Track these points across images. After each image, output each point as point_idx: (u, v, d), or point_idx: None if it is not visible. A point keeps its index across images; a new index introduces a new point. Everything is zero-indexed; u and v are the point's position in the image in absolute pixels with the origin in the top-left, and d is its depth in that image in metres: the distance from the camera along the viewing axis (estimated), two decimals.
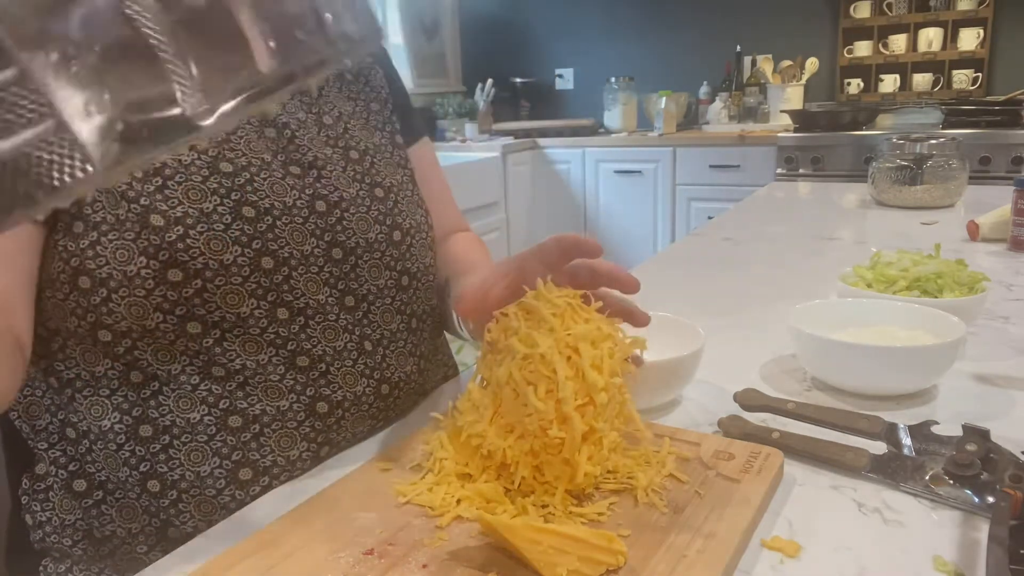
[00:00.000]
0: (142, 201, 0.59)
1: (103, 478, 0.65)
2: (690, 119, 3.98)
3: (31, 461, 0.67)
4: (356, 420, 0.70)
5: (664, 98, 3.66)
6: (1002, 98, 3.14)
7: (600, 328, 0.56)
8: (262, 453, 0.65)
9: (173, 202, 0.60)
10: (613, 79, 3.93)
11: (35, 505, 0.67)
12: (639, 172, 3.59)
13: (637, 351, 0.59)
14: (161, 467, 0.64)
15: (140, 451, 0.64)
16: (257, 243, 0.63)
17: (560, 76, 4.39)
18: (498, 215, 3.60)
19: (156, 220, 0.59)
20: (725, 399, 0.72)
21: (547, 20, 4.33)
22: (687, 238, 1.62)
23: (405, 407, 0.76)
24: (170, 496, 0.64)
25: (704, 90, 3.92)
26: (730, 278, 1.23)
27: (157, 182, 0.60)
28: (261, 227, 0.63)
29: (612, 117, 3.95)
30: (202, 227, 0.60)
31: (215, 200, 0.62)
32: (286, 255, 0.65)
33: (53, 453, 0.66)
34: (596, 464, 0.54)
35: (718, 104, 3.82)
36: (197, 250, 0.60)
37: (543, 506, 0.53)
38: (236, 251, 0.62)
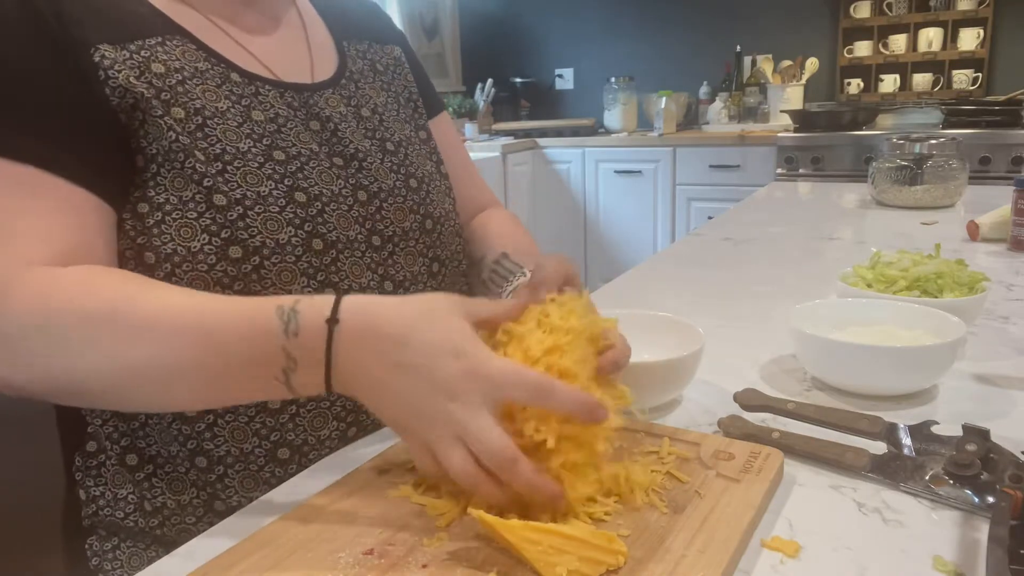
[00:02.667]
0: (205, 183, 0.63)
1: (154, 452, 0.68)
2: (690, 119, 3.98)
3: (82, 441, 0.70)
4: None
5: (664, 98, 3.66)
6: (1002, 98, 3.14)
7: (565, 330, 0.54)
8: (296, 433, 0.69)
9: (232, 184, 0.64)
10: (613, 79, 3.93)
11: (88, 480, 0.70)
12: (639, 172, 3.59)
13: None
14: (207, 444, 0.67)
15: (187, 430, 0.67)
16: (308, 226, 0.67)
17: (560, 76, 4.39)
18: None
19: (219, 200, 0.63)
20: (725, 399, 0.72)
21: (547, 20, 4.33)
22: (687, 238, 1.62)
23: None
24: (217, 471, 0.68)
25: (704, 90, 3.92)
26: (730, 278, 1.23)
27: (218, 166, 0.64)
28: (312, 211, 0.68)
29: (612, 117, 3.94)
30: (259, 208, 0.65)
31: (270, 184, 0.66)
32: (334, 239, 0.69)
33: (107, 429, 0.69)
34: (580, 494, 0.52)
35: (718, 104, 3.82)
36: (255, 228, 0.64)
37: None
38: (290, 231, 0.66)
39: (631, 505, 0.53)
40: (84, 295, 0.55)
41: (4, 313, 0.55)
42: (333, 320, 0.51)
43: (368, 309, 0.52)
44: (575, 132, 3.87)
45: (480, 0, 4.43)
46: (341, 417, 0.70)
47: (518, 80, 4.33)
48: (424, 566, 0.47)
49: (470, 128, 3.88)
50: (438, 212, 0.80)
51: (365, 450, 0.68)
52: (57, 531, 0.73)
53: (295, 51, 0.77)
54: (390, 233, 0.74)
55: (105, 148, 0.62)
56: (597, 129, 3.97)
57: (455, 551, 0.49)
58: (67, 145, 0.60)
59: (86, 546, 0.70)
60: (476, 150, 3.63)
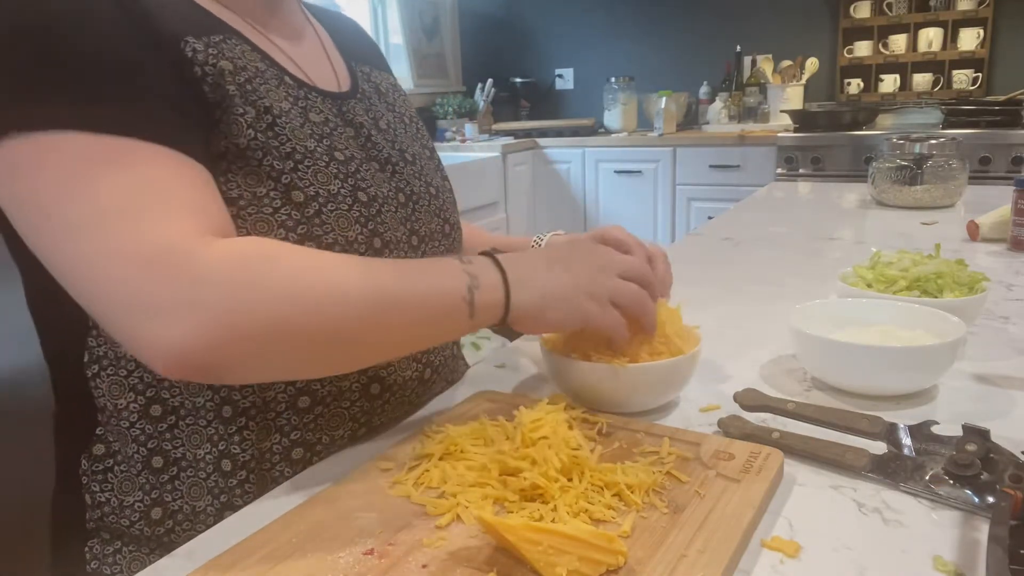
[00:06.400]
0: (283, 180, 0.64)
1: (179, 455, 0.68)
2: (690, 119, 3.98)
3: (87, 444, 0.69)
4: (397, 404, 0.74)
5: (664, 98, 3.66)
6: (1002, 98, 3.14)
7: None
8: (314, 432, 0.69)
9: (306, 182, 0.65)
10: (613, 79, 3.93)
11: (95, 486, 0.69)
12: (639, 172, 3.59)
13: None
14: (235, 448, 0.67)
15: (222, 430, 0.67)
16: (371, 224, 0.69)
17: (560, 76, 4.39)
18: (498, 215, 3.60)
19: (297, 196, 0.65)
20: (725, 399, 0.72)
21: (547, 20, 4.33)
22: (687, 238, 1.62)
23: (435, 392, 0.80)
24: (239, 476, 0.68)
25: (704, 90, 3.92)
26: (730, 278, 1.23)
27: (290, 164, 0.65)
28: (372, 211, 0.70)
29: (612, 117, 3.94)
30: (331, 206, 0.66)
31: (337, 183, 0.68)
32: (388, 238, 0.71)
33: (134, 431, 0.68)
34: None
35: (718, 104, 3.82)
36: (329, 226, 0.66)
37: (544, 503, 0.53)
38: (357, 229, 0.68)
39: (631, 505, 0.53)
40: (274, 256, 0.56)
41: (200, 265, 0.52)
42: (493, 257, 0.65)
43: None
44: (575, 132, 3.87)
45: (480, 0, 4.43)
46: (356, 418, 0.71)
47: (518, 80, 4.33)
48: (424, 566, 0.47)
49: (470, 128, 3.88)
50: (453, 219, 0.84)
51: (366, 451, 0.69)
52: (45, 533, 0.72)
53: (320, 61, 0.78)
54: (424, 233, 0.77)
55: (205, 138, 0.62)
56: (597, 129, 3.97)
57: (455, 551, 0.49)
58: (190, 130, 0.60)
59: (86, 549, 0.70)
60: (476, 150, 3.63)
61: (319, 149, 0.67)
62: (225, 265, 0.53)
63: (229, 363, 0.53)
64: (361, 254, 0.67)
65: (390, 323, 0.59)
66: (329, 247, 0.65)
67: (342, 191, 0.67)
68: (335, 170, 0.68)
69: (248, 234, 0.62)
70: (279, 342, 0.54)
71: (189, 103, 0.61)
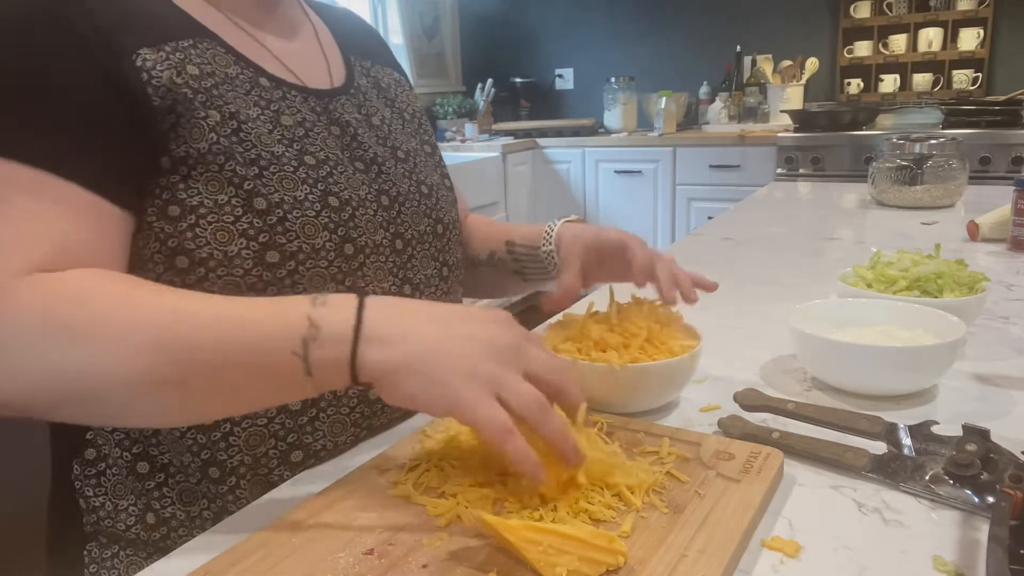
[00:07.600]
0: (246, 186, 0.63)
1: (166, 461, 0.67)
2: (690, 119, 3.98)
3: (79, 448, 0.69)
4: (397, 407, 0.72)
5: (664, 98, 3.66)
6: (1002, 98, 3.14)
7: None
8: (315, 437, 0.68)
9: (270, 189, 0.64)
10: (613, 79, 3.93)
11: (88, 490, 0.69)
12: (639, 172, 3.60)
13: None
14: (221, 455, 0.66)
15: (202, 439, 0.66)
16: (341, 230, 0.68)
17: (560, 76, 4.39)
18: (498, 215, 3.60)
19: (259, 204, 0.63)
20: (725, 399, 0.72)
21: (547, 20, 4.33)
22: (687, 238, 1.62)
23: None
24: (229, 483, 0.67)
25: (704, 90, 3.92)
26: (730, 278, 1.23)
27: (255, 170, 0.63)
28: (344, 216, 0.68)
29: (612, 117, 3.95)
30: (297, 213, 0.65)
31: (305, 189, 0.66)
32: (363, 243, 0.70)
33: (117, 435, 0.67)
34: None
35: (718, 104, 3.82)
36: (293, 233, 0.64)
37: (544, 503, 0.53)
38: (325, 236, 0.66)
39: (631, 505, 0.53)
40: (82, 298, 0.53)
41: (5, 309, 0.52)
42: (361, 299, 0.53)
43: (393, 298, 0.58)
44: (575, 132, 3.87)
45: (480, 0, 4.43)
46: (358, 423, 0.70)
47: (518, 80, 4.33)
48: (424, 566, 0.47)
49: (470, 128, 3.88)
50: (447, 219, 0.82)
51: (365, 451, 0.69)
52: (41, 536, 0.72)
53: (313, 57, 0.78)
54: (409, 236, 0.75)
55: (130, 152, 0.60)
56: (597, 129, 3.98)
57: (455, 551, 0.49)
58: (84, 149, 0.58)
59: (84, 552, 0.69)
60: (476, 150, 3.64)
61: (287, 154, 0.66)
62: (30, 310, 0.52)
63: (34, 410, 0.53)
64: (329, 262, 0.66)
65: (201, 379, 0.52)
66: (293, 255, 0.64)
67: (310, 197, 0.66)
68: (304, 175, 0.66)
69: (208, 244, 0.61)
70: (77, 392, 0.52)
71: (112, 116, 0.59)
